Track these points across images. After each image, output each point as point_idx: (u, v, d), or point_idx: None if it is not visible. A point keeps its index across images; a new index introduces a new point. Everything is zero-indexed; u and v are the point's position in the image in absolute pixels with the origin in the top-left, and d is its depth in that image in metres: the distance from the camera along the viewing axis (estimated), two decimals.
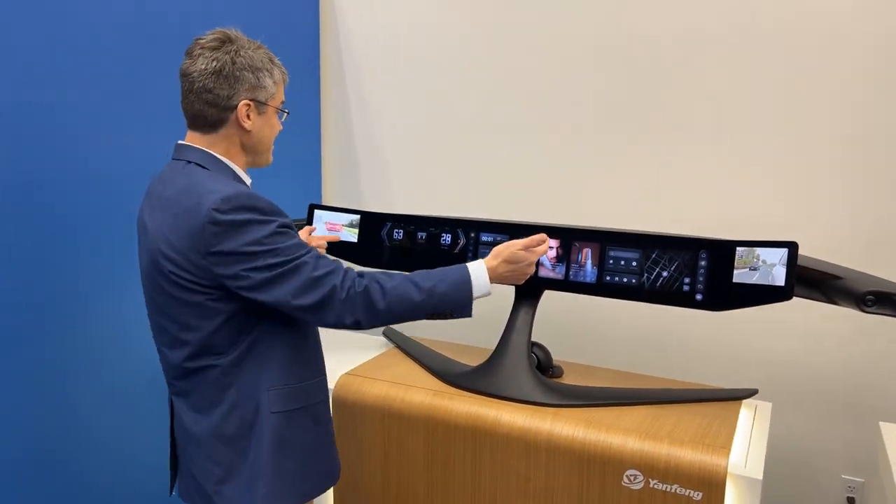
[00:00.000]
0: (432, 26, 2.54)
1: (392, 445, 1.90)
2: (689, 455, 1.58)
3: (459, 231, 1.99)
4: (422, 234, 2.04)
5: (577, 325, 2.42)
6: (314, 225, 2.16)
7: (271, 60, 1.43)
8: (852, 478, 2.13)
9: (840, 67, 2.02)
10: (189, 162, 1.40)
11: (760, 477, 1.54)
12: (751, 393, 1.90)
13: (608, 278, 1.81)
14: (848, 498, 2.13)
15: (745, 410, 1.83)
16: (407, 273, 1.48)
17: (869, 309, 1.45)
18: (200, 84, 1.36)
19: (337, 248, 2.14)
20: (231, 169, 1.43)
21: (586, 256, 1.83)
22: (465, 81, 2.52)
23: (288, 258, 1.35)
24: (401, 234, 2.07)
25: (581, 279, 1.83)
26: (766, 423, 1.80)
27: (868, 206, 2.04)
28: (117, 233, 1.97)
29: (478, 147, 2.53)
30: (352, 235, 2.15)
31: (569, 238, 1.85)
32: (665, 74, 2.22)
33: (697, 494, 1.57)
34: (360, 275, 1.43)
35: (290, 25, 2.55)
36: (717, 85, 2.16)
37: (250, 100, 1.39)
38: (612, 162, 2.33)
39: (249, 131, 1.42)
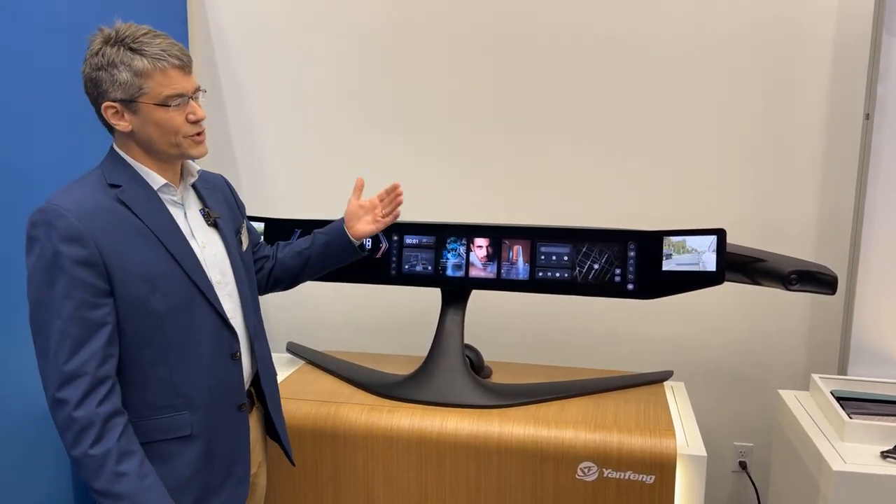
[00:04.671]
0: (312, 18, 2.40)
1: (326, 467, 1.76)
2: (639, 441, 1.63)
3: (380, 234, 1.89)
4: None
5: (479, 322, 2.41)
6: None
7: (131, 50, 1.23)
8: (743, 443, 2.32)
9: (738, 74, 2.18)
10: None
11: (704, 453, 1.62)
12: (668, 375, 2.00)
13: (540, 274, 1.81)
14: (740, 462, 2.32)
15: (667, 392, 1.93)
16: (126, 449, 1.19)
17: (793, 287, 1.57)
18: (84, 87, 1.28)
19: None
20: (132, 168, 1.30)
21: (517, 254, 1.82)
22: (351, 78, 2.41)
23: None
24: None
25: (514, 276, 1.82)
26: (687, 401, 1.90)
27: (759, 196, 2.21)
28: None
29: (366, 146, 2.43)
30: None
31: (499, 236, 1.83)
32: (571, 75, 2.27)
33: (650, 478, 1.61)
34: (109, 394, 1.19)
35: (155, 19, 2.28)
36: (616, 87, 2.25)
37: (111, 101, 1.24)
38: (510, 161, 2.34)
39: (132, 132, 1.26)
